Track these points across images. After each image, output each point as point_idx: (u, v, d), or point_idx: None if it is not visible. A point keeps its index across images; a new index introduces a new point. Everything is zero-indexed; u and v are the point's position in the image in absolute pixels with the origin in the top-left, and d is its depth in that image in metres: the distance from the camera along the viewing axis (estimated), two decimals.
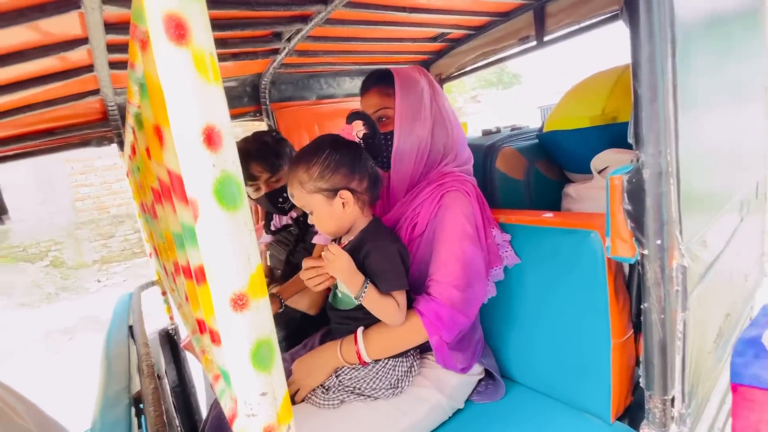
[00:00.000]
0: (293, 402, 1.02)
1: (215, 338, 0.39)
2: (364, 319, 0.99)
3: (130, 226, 7.99)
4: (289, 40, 1.48)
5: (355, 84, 2.19)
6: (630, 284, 1.02)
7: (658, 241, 0.68)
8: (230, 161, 0.29)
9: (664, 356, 0.73)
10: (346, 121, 1.00)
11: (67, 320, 5.29)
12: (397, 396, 1.00)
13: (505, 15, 1.79)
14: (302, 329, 1.52)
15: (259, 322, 0.30)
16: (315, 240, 1.24)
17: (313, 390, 1.01)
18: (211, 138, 0.27)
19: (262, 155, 1.38)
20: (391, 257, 0.95)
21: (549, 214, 1.08)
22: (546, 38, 1.75)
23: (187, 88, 0.26)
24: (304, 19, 1.36)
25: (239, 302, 0.29)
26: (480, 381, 1.16)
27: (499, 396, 1.13)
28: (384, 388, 0.98)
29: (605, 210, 0.76)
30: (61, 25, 0.97)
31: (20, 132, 1.48)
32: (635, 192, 0.68)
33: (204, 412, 1.76)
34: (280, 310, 1.21)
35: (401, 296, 0.96)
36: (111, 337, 1.27)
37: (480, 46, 1.99)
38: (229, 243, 0.28)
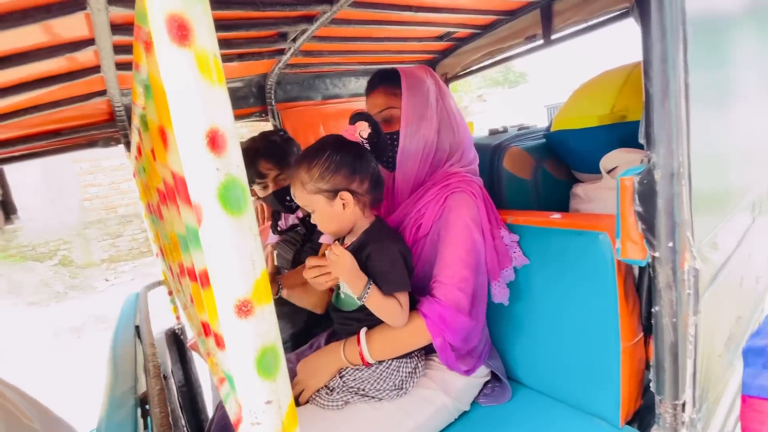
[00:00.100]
0: (297, 403, 1.02)
1: (220, 342, 0.38)
2: (366, 320, 0.99)
3: (137, 225, 8.06)
4: (294, 40, 1.47)
5: (361, 84, 2.18)
6: (640, 286, 1.01)
7: (670, 244, 0.66)
8: (235, 165, 0.28)
9: (675, 360, 0.71)
10: (349, 122, 0.99)
11: (76, 319, 5.33)
12: (401, 397, 1.00)
13: (512, 13, 1.77)
14: (308, 329, 1.52)
15: (265, 328, 0.29)
16: (322, 240, 1.24)
17: (318, 391, 1.00)
18: (215, 141, 0.27)
19: (270, 152, 1.39)
20: (393, 258, 0.95)
21: (557, 215, 1.07)
22: (553, 37, 1.73)
23: (190, 90, 0.26)
24: (310, 19, 1.36)
25: (244, 308, 0.28)
26: (486, 383, 1.15)
27: (505, 398, 1.12)
28: (388, 389, 0.98)
29: (615, 211, 0.74)
30: (68, 26, 0.98)
31: (28, 133, 1.49)
32: (646, 193, 0.67)
33: (210, 411, 1.77)
34: (276, 297, 1.21)
35: (404, 297, 0.95)
36: (117, 337, 1.27)
37: (486, 45, 1.97)
38: (234, 248, 0.28)
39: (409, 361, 1.01)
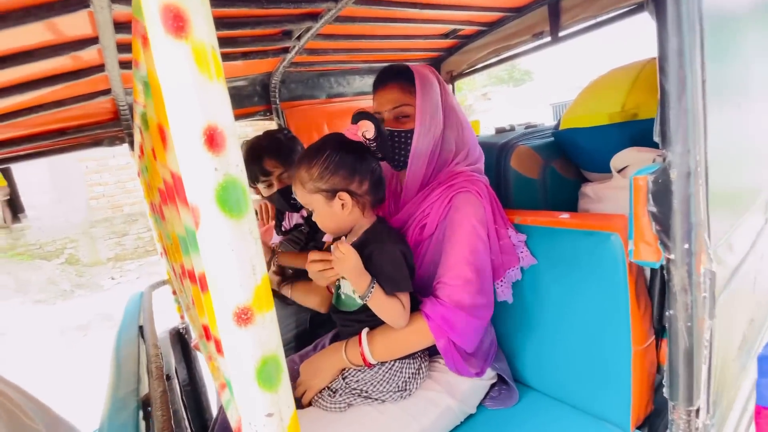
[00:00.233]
0: (301, 405, 1.01)
1: (219, 348, 0.37)
2: (367, 321, 0.98)
3: (143, 224, 8.11)
4: (299, 38, 1.46)
5: (365, 82, 2.17)
6: (651, 288, 0.98)
7: (686, 245, 0.64)
8: (234, 164, 0.26)
9: (690, 366, 0.69)
10: (352, 121, 0.98)
11: (82, 317, 5.37)
12: (405, 399, 0.99)
13: (519, 10, 1.74)
14: (312, 330, 1.51)
15: (266, 337, 0.28)
16: (326, 239, 1.23)
17: (320, 393, 1.00)
18: (213, 139, 0.25)
19: (275, 150, 1.38)
20: (394, 258, 0.94)
21: (566, 215, 1.05)
22: (561, 34, 1.70)
23: (187, 85, 0.24)
24: (314, 16, 1.34)
25: (243, 316, 0.27)
26: (493, 386, 1.13)
27: (512, 402, 1.10)
28: (391, 390, 0.97)
29: (626, 211, 0.72)
30: (72, 25, 0.97)
31: (32, 132, 1.49)
32: (661, 193, 0.65)
33: (214, 410, 1.76)
34: (272, 270, 1.22)
35: (406, 298, 0.95)
36: (121, 337, 1.26)
37: (493, 43, 1.95)
38: (233, 253, 0.26)
39: (412, 362, 0.99)
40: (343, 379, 0.99)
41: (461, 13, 1.63)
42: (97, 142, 1.67)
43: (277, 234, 1.57)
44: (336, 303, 1.06)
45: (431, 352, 1.06)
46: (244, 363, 0.27)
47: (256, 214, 1.51)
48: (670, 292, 0.68)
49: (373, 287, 0.91)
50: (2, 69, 0.99)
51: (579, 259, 1.00)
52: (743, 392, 1.08)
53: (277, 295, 1.47)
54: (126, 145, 1.68)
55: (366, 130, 0.95)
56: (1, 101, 1.14)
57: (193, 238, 0.35)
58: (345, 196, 0.93)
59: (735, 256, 0.87)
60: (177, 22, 0.24)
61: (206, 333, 0.51)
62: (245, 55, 1.51)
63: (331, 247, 0.91)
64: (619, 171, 1.15)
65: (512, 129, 1.58)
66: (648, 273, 1.00)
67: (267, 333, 0.28)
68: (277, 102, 1.94)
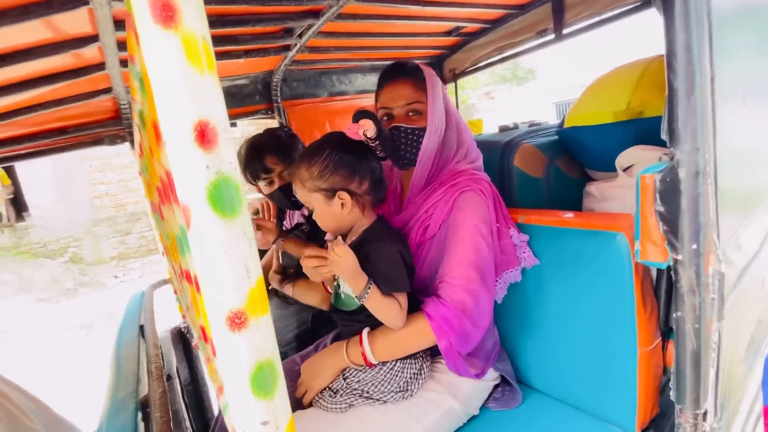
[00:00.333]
0: (302, 406, 1.00)
1: (215, 352, 0.36)
2: (368, 320, 0.97)
3: (146, 223, 8.14)
4: (300, 36, 1.45)
5: (368, 80, 2.15)
6: (658, 289, 0.97)
7: (694, 246, 0.62)
8: (227, 162, 0.25)
9: (697, 368, 0.68)
10: (353, 120, 0.97)
11: (85, 315, 5.39)
12: (407, 400, 0.98)
13: (522, 7, 1.73)
14: (314, 330, 1.50)
15: (260, 342, 0.26)
16: (327, 238, 1.22)
17: (321, 393, 0.99)
18: (204, 135, 0.24)
19: (277, 147, 1.38)
20: (392, 258, 0.93)
21: (570, 214, 1.03)
22: (565, 31, 1.68)
23: (176, 78, 0.23)
24: (316, 14, 1.33)
25: (237, 321, 0.25)
26: (496, 387, 1.12)
27: (515, 403, 1.09)
28: (393, 391, 0.96)
29: (633, 211, 0.71)
30: (72, 22, 0.96)
31: (33, 131, 1.49)
32: (669, 192, 0.63)
33: (216, 409, 1.76)
34: (272, 270, 1.22)
35: (403, 298, 0.94)
36: (121, 337, 1.26)
37: (496, 40, 1.93)
38: (226, 254, 0.25)
39: (413, 362, 0.98)
40: (344, 379, 0.98)
41: (464, 10, 1.61)
42: (98, 141, 1.66)
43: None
44: (335, 302, 1.05)
45: (433, 353, 1.05)
46: (238, 369, 0.26)
47: (258, 212, 1.50)
48: (677, 293, 0.67)
49: (369, 288, 0.90)
50: (2, 67, 0.98)
51: (584, 259, 0.98)
52: (750, 393, 1.06)
53: (278, 295, 1.46)
54: (127, 144, 1.68)
55: (367, 129, 0.94)
56: (2, 100, 1.14)
57: (186, 239, 0.34)
58: (344, 195, 0.93)
59: (744, 256, 0.86)
60: (166, 12, 0.22)
61: (204, 335, 0.50)
62: (246, 53, 1.50)
63: (328, 245, 0.90)
64: (625, 170, 1.13)
65: (516, 127, 1.56)
66: (654, 273, 0.98)
67: (262, 338, 0.27)
68: (279, 100, 1.93)
